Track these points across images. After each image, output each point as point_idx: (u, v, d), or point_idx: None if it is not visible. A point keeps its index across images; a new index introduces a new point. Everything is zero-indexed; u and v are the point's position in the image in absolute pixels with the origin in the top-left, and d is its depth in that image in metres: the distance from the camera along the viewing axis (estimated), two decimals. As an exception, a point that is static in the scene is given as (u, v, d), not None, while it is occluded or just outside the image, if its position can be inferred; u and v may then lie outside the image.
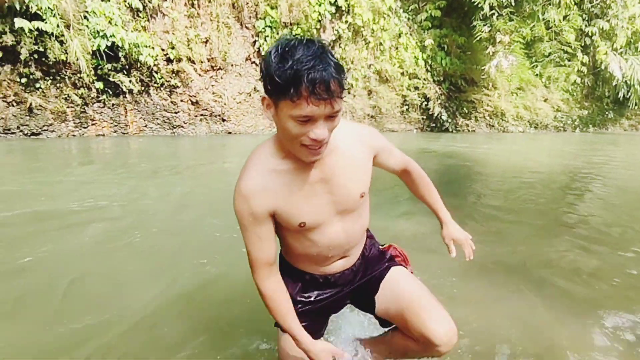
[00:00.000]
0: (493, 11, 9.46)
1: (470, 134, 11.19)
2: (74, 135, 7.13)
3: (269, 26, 8.46)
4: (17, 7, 5.61)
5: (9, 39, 5.96)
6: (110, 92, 7.17)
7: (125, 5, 6.98)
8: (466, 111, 11.32)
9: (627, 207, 3.72)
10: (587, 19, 11.43)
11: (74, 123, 7.07)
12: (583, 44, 11.54)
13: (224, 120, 8.46)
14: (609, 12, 11.23)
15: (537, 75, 11.76)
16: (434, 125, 11.11)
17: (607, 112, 13.64)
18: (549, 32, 10.44)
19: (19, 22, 5.73)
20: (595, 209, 3.55)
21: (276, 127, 0.96)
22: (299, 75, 0.81)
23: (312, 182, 1.05)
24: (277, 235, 1.14)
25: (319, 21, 9.00)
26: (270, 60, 0.84)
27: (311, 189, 1.05)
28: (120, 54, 6.90)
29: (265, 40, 8.51)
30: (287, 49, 0.83)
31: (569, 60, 11.57)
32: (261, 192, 1.00)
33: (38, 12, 5.92)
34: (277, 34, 8.54)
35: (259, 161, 1.03)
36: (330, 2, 9.05)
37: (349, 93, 9.90)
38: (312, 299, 1.22)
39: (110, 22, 6.66)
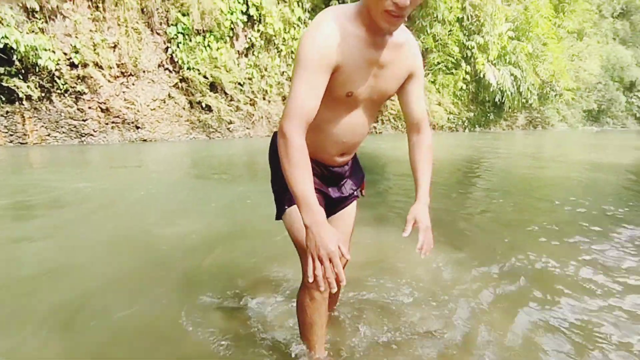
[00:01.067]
0: (390, 25, 10.63)
1: (377, 135, 12.28)
2: (-41, 147, 6.39)
3: (181, 33, 8.48)
4: None
5: None
6: (4, 99, 6.59)
7: (19, 4, 6.51)
8: (374, 115, 12.42)
9: (508, 180, 4.67)
10: (467, 34, 13.36)
11: (-41, 133, 6.36)
12: (465, 56, 13.45)
13: (137, 127, 8.23)
14: (483, 30, 13.26)
15: (431, 82, 13.38)
16: (346, 128, 12.00)
17: (489, 114, 15.95)
18: (436, 44, 11.98)
19: None
20: (486, 180, 4.41)
21: None
22: None
23: (373, 61, 1.12)
24: None
25: (232, 29, 9.25)
26: None
27: (370, 67, 1.12)
28: (14, 57, 6.40)
29: (178, 46, 8.50)
30: None
31: (455, 69, 13.39)
32: (338, 42, 1.04)
33: None
34: (190, 40, 8.59)
35: (339, 19, 1.06)
36: (242, 11, 9.36)
37: (263, 99, 10.27)
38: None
39: (1, 23, 6.17)
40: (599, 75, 20.75)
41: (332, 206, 1.43)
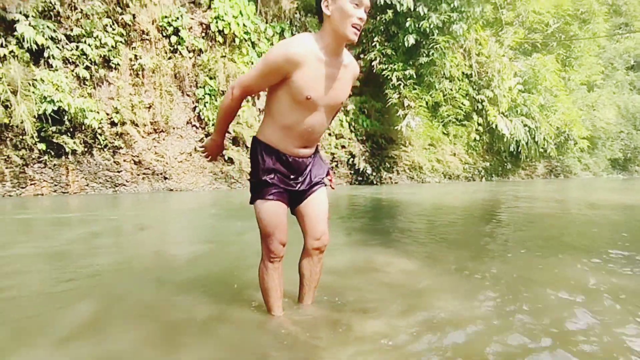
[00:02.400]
0: (400, 82, 11.40)
1: (393, 185, 12.63)
2: (10, 195, 7.20)
3: (208, 94, 9.48)
4: (-33, 75, 6.04)
5: (-47, 104, 6.27)
6: (53, 153, 7.49)
7: (73, 75, 7.63)
8: (388, 165, 12.86)
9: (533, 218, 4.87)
10: (476, 88, 14.02)
11: (12, 183, 7.19)
12: (476, 108, 14.00)
13: (165, 178, 8.97)
14: (492, 84, 13.90)
15: (444, 133, 13.87)
16: (360, 179, 12.42)
17: (505, 164, 16.09)
18: (445, 98, 12.63)
19: (-34, 88, 6.12)
20: (509, 221, 4.63)
21: (330, 20, 1.52)
22: None
23: (328, 75, 1.58)
24: (278, 111, 1.63)
25: (254, 90, 10.23)
26: None
27: (326, 79, 1.58)
28: (65, 117, 7.38)
29: (205, 106, 9.46)
30: None
31: (467, 121, 13.89)
32: (301, 58, 1.50)
33: (-13, 79, 6.37)
34: (216, 100, 9.56)
35: (307, 40, 1.54)
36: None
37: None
38: (278, 172, 1.73)
39: (57, 89, 7.22)
40: (620, 124, 20.76)
41: (299, 196, 1.83)
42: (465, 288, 2.25)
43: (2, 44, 6.87)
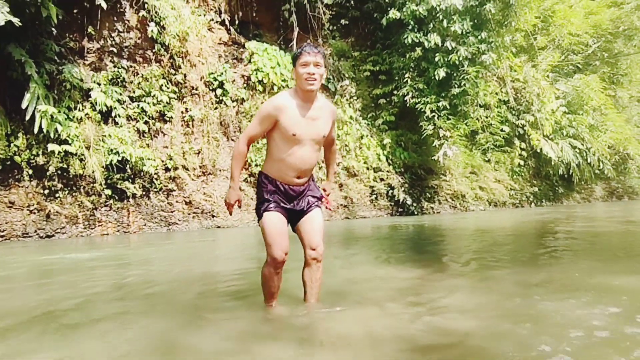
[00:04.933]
0: (434, 113, 11.63)
1: (436, 215, 12.51)
2: (81, 236, 8.22)
3: (251, 137, 10.33)
4: (52, 135, 7.26)
5: (40, 160, 7.50)
6: (117, 197, 8.52)
7: (134, 129, 8.79)
8: (429, 195, 12.82)
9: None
10: (515, 114, 13.83)
11: (83, 225, 8.24)
12: (518, 133, 13.73)
13: (213, 216, 9.72)
14: (532, 108, 13.67)
15: (486, 161, 13.67)
16: (401, 210, 12.46)
17: (557, 188, 15.32)
18: (482, 125, 12.59)
19: (51, 147, 7.33)
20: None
21: (295, 80, 2.13)
22: (302, 47, 2.12)
23: (307, 116, 2.15)
24: (273, 152, 2.17)
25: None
26: (294, 55, 2.14)
27: (305, 119, 2.14)
28: (127, 166, 8.44)
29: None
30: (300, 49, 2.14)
31: (509, 147, 13.62)
32: (283, 106, 2.11)
33: (67, 138, 7.58)
34: (257, 143, 10.38)
35: (285, 95, 2.17)
36: (300, 116, 11.15)
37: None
38: (277, 195, 2.23)
39: (121, 142, 8.35)
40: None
41: (298, 214, 2.28)
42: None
43: (79, 108, 8.17)
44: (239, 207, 2.28)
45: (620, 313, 2.04)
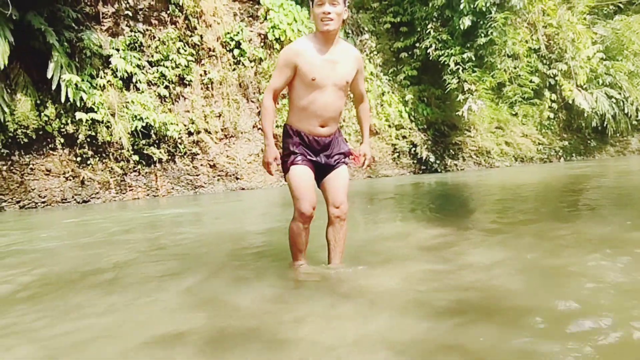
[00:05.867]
0: (458, 66, 11.13)
1: (460, 172, 12.32)
2: (114, 200, 8.61)
3: (270, 98, 10.24)
4: (78, 103, 7.42)
5: (70, 129, 7.74)
6: (144, 163, 8.78)
7: (155, 94, 8.85)
8: (453, 153, 12.57)
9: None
10: (547, 63, 13.04)
11: (115, 190, 8.59)
12: (548, 84, 13.02)
13: (237, 178, 9.91)
14: (565, 56, 12.83)
15: (513, 114, 13.14)
16: (424, 167, 12.32)
17: (589, 141, 14.68)
18: (510, 77, 11.98)
19: (78, 115, 7.52)
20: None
21: (314, 23, 2.05)
22: None
23: (326, 59, 2.07)
24: (296, 96, 2.10)
25: (312, 90, 10.79)
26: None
27: (325, 62, 2.07)
28: (151, 131, 8.60)
29: (268, 110, 10.24)
30: None
31: (539, 99, 12.99)
32: (301, 50, 2.06)
33: (92, 106, 7.74)
34: (277, 103, 10.29)
35: (304, 39, 2.14)
36: (319, 75, 10.91)
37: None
38: (303, 146, 2.20)
39: (144, 108, 8.46)
40: None
41: (324, 170, 2.24)
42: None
43: (101, 75, 8.25)
44: (278, 165, 2.17)
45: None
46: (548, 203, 4.82)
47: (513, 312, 1.65)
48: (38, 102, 7.58)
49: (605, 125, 13.69)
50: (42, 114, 7.62)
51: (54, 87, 7.32)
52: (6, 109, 7.08)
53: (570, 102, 12.86)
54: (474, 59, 11.04)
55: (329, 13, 1.96)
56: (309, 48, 2.05)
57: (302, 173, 2.12)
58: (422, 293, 1.91)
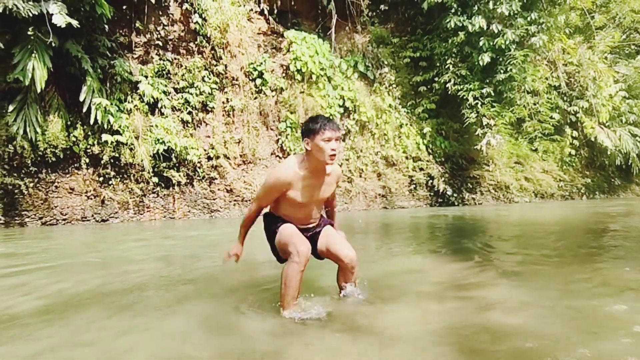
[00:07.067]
0: (477, 101, 11.17)
1: (477, 206, 12.11)
2: (132, 221, 8.76)
3: (289, 127, 10.44)
4: (105, 126, 7.73)
5: (96, 149, 8.03)
6: (163, 185, 8.97)
7: (178, 119, 9.15)
8: (470, 186, 12.41)
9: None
10: (567, 100, 12.98)
11: (134, 211, 8.76)
12: (569, 121, 12.90)
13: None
14: (587, 93, 12.76)
15: (532, 150, 12.98)
16: (441, 200, 12.17)
17: (613, 179, 14.30)
18: (529, 113, 11.93)
19: (105, 137, 7.83)
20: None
21: (311, 152, 2.14)
22: (324, 123, 2.11)
23: (312, 185, 2.24)
24: (280, 207, 2.30)
25: (330, 120, 10.96)
26: (309, 123, 2.16)
27: (312, 189, 2.25)
28: (172, 155, 8.84)
29: (287, 137, 10.42)
30: (313, 118, 2.18)
31: (559, 135, 12.83)
32: (292, 180, 2.18)
33: (118, 128, 8.05)
34: (296, 132, 10.48)
35: (293, 164, 2.20)
36: (339, 105, 11.11)
37: (359, 176, 11.41)
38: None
39: (167, 132, 8.74)
40: None
41: (314, 238, 2.39)
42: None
43: (129, 100, 8.62)
44: (236, 261, 2.38)
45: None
46: (569, 243, 4.66)
47: (536, 356, 1.58)
48: (68, 123, 7.94)
49: (629, 163, 13.38)
50: (71, 134, 7.96)
51: (84, 109, 7.67)
52: (38, 129, 7.43)
53: (593, 139, 12.66)
54: (493, 94, 11.08)
55: (335, 149, 2.10)
56: (299, 179, 2.19)
57: (292, 227, 2.26)
58: (437, 333, 1.85)
